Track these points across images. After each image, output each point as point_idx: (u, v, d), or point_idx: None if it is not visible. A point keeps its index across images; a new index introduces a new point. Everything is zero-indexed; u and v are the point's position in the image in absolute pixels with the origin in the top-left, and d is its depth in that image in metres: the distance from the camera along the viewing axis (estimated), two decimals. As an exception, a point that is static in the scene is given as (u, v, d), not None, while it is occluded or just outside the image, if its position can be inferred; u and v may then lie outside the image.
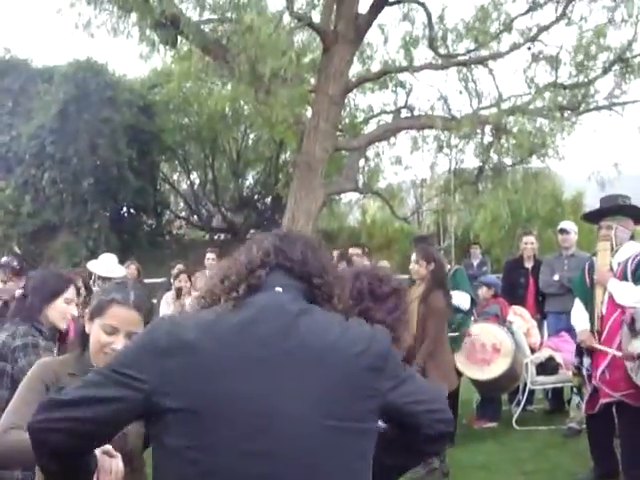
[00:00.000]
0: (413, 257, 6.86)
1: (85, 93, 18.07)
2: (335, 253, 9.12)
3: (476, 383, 8.16)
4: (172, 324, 1.94)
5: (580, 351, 6.12)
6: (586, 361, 6.01)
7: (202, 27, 13.97)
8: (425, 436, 2.05)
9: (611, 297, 5.72)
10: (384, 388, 1.94)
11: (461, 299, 7.41)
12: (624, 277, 5.68)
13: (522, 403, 8.75)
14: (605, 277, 5.75)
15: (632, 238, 5.97)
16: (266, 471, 1.79)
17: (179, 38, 13.98)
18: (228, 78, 14.57)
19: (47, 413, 1.85)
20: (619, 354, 5.49)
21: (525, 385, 8.77)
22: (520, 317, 8.65)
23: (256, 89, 12.88)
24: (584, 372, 6.00)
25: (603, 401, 5.66)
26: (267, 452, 1.79)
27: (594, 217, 6.25)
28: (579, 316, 6.12)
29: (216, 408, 1.81)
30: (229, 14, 13.40)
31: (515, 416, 8.62)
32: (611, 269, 5.83)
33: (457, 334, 7.48)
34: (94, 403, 1.83)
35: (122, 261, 15.19)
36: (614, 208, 6.01)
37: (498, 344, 7.66)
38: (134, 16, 14.20)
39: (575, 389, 8.43)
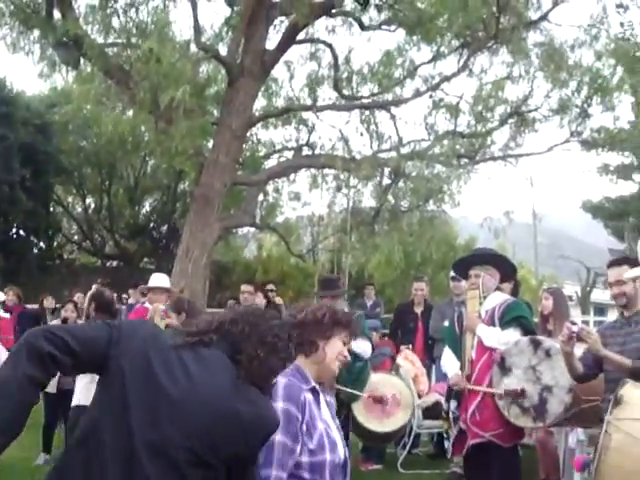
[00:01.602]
0: None
1: (-20, 108, 17.52)
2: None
3: (369, 435, 8.08)
4: (153, 330, 2.66)
5: (449, 396, 6.26)
6: (452, 404, 6.14)
7: (106, 50, 13.72)
8: None
9: (480, 342, 5.91)
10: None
11: (363, 346, 7.27)
12: (492, 324, 5.92)
13: (408, 446, 8.79)
14: (474, 323, 5.94)
15: (497, 289, 6.14)
16: None
17: (82, 59, 13.72)
18: (129, 104, 14.33)
19: (49, 328, 2.47)
20: (493, 391, 5.64)
21: (411, 429, 8.82)
22: (410, 363, 8.71)
23: (157, 118, 12.71)
24: (450, 415, 6.13)
25: (472, 442, 5.74)
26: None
27: (462, 267, 6.40)
28: (449, 361, 6.31)
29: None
30: (134, 40, 13.23)
31: (400, 459, 8.63)
32: (479, 316, 5.99)
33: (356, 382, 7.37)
34: (85, 329, 2.72)
35: (7, 284, 14.76)
36: (480, 257, 6.24)
37: (398, 394, 7.65)
38: (36, 33, 13.90)
39: (445, 434, 8.57)
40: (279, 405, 2.87)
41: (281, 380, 2.95)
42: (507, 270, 6.33)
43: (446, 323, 8.06)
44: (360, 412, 7.41)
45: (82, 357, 2.44)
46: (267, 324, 2.74)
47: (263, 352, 2.66)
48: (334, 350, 3.26)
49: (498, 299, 6.03)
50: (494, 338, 5.81)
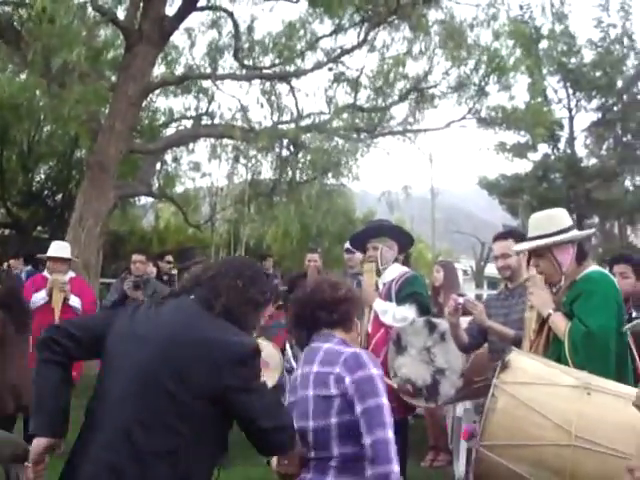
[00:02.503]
0: None
1: None
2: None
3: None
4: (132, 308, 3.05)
5: None
6: None
7: (-3, 10, 13.22)
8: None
9: (376, 316, 5.95)
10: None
11: None
12: (388, 297, 5.98)
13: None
14: (371, 297, 5.96)
15: (396, 261, 6.19)
16: None
17: (-30, 19, 13.17)
18: (21, 66, 13.84)
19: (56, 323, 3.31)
20: (388, 382, 5.72)
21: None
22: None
23: (50, 81, 12.31)
24: None
25: None
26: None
27: (360, 240, 6.43)
28: None
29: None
30: (32, -1, 12.80)
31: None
32: (377, 289, 6.03)
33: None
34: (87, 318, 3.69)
35: None
36: (379, 229, 6.26)
37: (265, 357, 7.68)
38: None
39: None
40: (374, 372, 3.01)
41: (358, 350, 3.13)
42: (405, 242, 6.41)
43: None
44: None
45: (83, 340, 2.88)
46: (243, 265, 3.08)
47: (242, 282, 2.95)
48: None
49: (396, 271, 6.10)
50: (390, 315, 5.87)
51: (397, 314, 5.87)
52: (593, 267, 4.15)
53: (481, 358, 5.61)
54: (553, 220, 4.16)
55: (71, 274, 7.91)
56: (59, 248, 7.94)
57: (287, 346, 8.93)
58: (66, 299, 7.49)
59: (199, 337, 2.73)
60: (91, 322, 3.07)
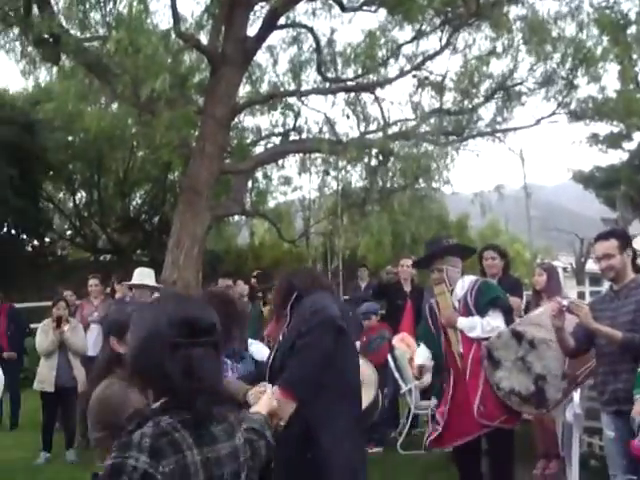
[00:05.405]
0: None
1: (-36, 108, 17.33)
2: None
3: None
4: None
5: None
6: (432, 402, 6.11)
7: (85, 45, 13.59)
8: None
9: (464, 335, 5.81)
10: None
11: (262, 351, 6.45)
12: (468, 311, 5.81)
13: (406, 428, 8.82)
14: (452, 318, 5.82)
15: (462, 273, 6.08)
16: None
17: (62, 55, 13.61)
18: (111, 98, 14.24)
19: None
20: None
21: (409, 410, 8.84)
22: (406, 345, 8.68)
23: (139, 110, 12.61)
24: (428, 412, 6.12)
25: (482, 432, 5.71)
26: None
27: (425, 264, 6.31)
28: (421, 354, 6.28)
29: None
30: (114, 33, 13.16)
31: (400, 440, 8.66)
32: (454, 308, 5.90)
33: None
34: None
35: (0, 283, 14.73)
36: (441, 251, 6.01)
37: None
38: (16, 31, 13.81)
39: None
40: None
41: None
42: (467, 255, 6.32)
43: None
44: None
45: None
46: None
47: None
48: None
49: (466, 284, 5.93)
50: (478, 329, 5.74)
51: (485, 326, 5.74)
52: None
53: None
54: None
55: None
56: (141, 275, 8.04)
57: (390, 358, 8.91)
58: None
59: None
60: None
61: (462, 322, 5.79)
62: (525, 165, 12.54)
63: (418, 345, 6.46)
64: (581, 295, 20.89)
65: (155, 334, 2.01)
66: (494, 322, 5.76)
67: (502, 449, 5.82)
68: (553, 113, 16.79)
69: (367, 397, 7.21)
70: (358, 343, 9.04)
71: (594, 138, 24.39)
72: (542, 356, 5.57)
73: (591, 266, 29.57)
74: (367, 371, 7.57)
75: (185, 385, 1.96)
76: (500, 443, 5.77)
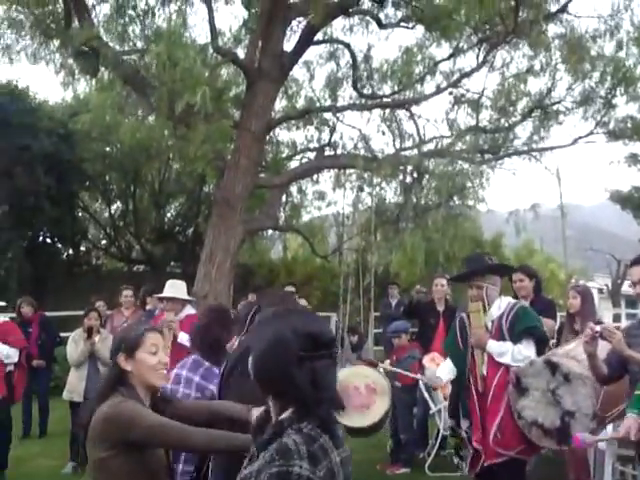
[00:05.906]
0: None
1: (3, 118, 17.51)
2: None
3: (356, 432, 7.97)
4: None
5: (455, 413, 6.16)
6: (464, 424, 6.00)
7: (124, 58, 13.72)
8: None
9: (491, 358, 5.69)
10: None
11: None
12: (501, 335, 5.69)
13: (435, 449, 8.72)
14: (482, 341, 5.71)
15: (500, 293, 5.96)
16: None
17: (100, 68, 13.75)
18: (148, 110, 14.35)
19: None
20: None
21: (438, 431, 8.74)
22: (436, 365, 8.59)
23: (175, 123, 12.68)
24: (463, 434, 6.01)
25: (496, 461, 5.59)
26: None
27: (464, 279, 6.19)
28: (445, 368, 6.20)
29: None
30: (152, 46, 13.28)
31: (428, 462, 8.57)
32: (486, 329, 5.79)
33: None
34: None
35: (36, 291, 14.85)
36: (484, 269, 5.89)
37: (372, 383, 7.54)
38: (56, 43, 13.97)
39: (453, 450, 8.51)
40: None
41: None
42: (505, 274, 6.22)
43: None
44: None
45: None
46: None
47: None
48: None
49: (503, 305, 5.80)
50: (508, 356, 5.61)
51: (516, 354, 5.60)
52: None
53: (612, 394, 5.37)
54: None
55: (189, 311, 7.95)
56: (172, 288, 8.04)
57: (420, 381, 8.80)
58: (175, 337, 7.57)
59: None
60: None
61: (492, 346, 5.68)
62: (562, 184, 12.29)
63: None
64: (617, 317, 20.63)
65: (283, 346, 2.16)
66: (526, 351, 5.62)
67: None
68: (591, 132, 16.64)
69: (383, 405, 7.14)
70: (387, 362, 8.99)
71: (633, 158, 24.04)
72: (575, 391, 5.43)
73: (627, 288, 29.26)
74: (381, 381, 7.51)
75: (313, 395, 2.13)
76: (511, 474, 5.60)
